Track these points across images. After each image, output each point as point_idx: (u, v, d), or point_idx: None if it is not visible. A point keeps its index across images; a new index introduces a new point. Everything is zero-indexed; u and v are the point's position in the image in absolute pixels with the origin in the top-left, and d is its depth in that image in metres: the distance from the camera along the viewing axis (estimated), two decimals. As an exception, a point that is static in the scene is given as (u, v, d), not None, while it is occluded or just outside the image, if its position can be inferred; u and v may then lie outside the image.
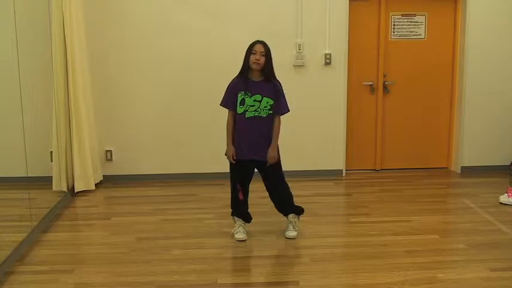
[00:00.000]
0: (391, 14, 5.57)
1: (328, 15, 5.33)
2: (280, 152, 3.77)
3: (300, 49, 5.35)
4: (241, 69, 3.67)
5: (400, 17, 5.58)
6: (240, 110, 3.65)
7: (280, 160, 3.77)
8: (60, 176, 4.81)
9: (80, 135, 4.88)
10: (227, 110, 3.74)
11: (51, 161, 4.81)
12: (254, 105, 3.63)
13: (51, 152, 4.81)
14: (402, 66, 5.67)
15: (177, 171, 5.45)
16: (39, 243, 3.77)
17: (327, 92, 5.44)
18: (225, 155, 3.77)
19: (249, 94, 3.61)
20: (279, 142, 3.76)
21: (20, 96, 4.17)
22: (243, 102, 3.63)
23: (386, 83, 5.68)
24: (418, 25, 5.61)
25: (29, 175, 4.30)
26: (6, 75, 4.33)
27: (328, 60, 5.39)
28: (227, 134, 3.73)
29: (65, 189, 4.83)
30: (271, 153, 3.68)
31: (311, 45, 5.36)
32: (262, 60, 3.57)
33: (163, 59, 5.29)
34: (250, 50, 3.60)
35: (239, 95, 3.63)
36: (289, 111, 3.76)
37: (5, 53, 4.28)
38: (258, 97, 3.62)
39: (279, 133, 3.73)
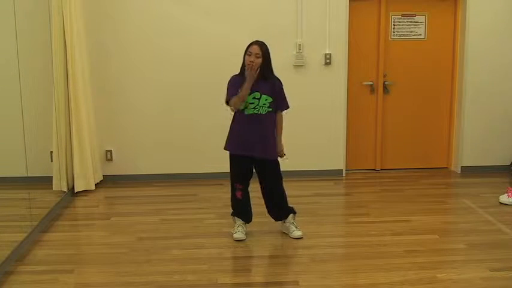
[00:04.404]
0: (391, 14, 5.57)
1: (328, 15, 5.33)
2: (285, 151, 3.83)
3: (300, 49, 5.35)
4: (240, 68, 3.71)
5: (400, 17, 5.58)
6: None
7: (279, 162, 3.79)
8: (60, 176, 4.81)
9: (80, 135, 4.88)
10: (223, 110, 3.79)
11: (51, 161, 4.81)
12: (253, 103, 3.65)
13: (51, 152, 4.81)
14: (402, 66, 5.66)
15: (177, 171, 5.45)
16: (39, 243, 3.76)
17: (327, 92, 5.44)
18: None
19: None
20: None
21: (20, 96, 4.18)
22: None
23: (386, 83, 5.67)
24: (418, 25, 5.61)
25: (29, 175, 4.31)
26: (6, 75, 4.33)
27: (328, 60, 5.39)
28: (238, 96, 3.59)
29: (65, 189, 4.83)
30: (274, 150, 3.75)
31: (311, 45, 5.36)
32: (257, 62, 3.57)
33: (164, 59, 5.28)
34: (246, 51, 3.63)
35: (239, 91, 3.64)
36: (288, 107, 3.81)
37: (5, 53, 4.29)
38: (257, 94, 3.64)
39: (282, 129, 3.79)
